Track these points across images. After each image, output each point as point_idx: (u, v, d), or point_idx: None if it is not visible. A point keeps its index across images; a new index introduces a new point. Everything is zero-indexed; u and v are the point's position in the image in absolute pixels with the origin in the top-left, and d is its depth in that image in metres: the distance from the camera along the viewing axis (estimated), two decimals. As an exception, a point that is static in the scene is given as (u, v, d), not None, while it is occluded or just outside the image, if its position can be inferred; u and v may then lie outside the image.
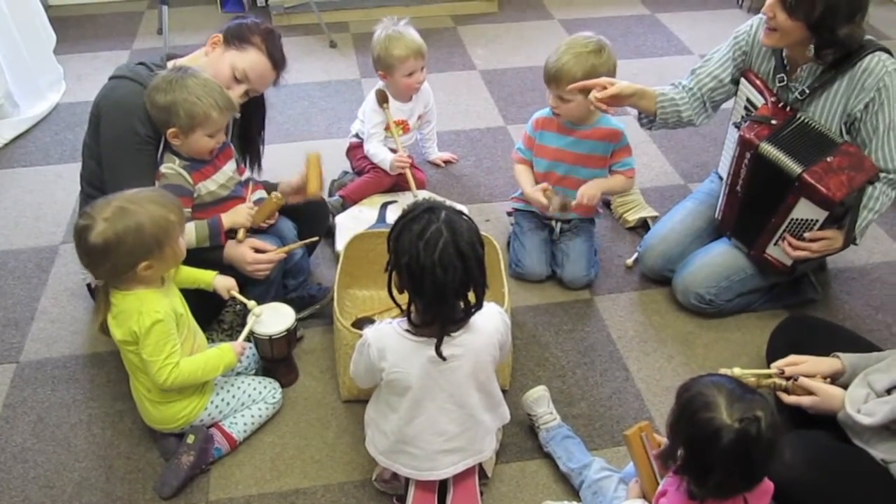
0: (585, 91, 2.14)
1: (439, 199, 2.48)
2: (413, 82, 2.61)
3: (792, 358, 1.79)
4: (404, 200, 2.70)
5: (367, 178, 2.70)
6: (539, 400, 1.97)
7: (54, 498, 1.83)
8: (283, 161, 2.89)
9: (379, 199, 2.70)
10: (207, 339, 2.15)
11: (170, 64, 2.10)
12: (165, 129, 1.95)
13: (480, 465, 1.76)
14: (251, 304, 1.98)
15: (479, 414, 1.65)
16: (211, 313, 2.19)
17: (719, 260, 2.25)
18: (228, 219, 2.03)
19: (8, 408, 2.05)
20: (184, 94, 1.90)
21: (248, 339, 1.96)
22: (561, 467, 1.84)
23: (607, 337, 2.26)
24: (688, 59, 3.77)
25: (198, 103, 1.91)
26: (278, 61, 2.13)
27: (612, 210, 2.72)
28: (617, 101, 2.17)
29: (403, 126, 2.70)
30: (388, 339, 1.56)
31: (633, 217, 2.64)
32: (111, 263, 1.66)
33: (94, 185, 2.13)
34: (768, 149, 2.02)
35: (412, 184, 2.60)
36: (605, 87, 2.13)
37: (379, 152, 2.67)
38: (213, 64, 2.08)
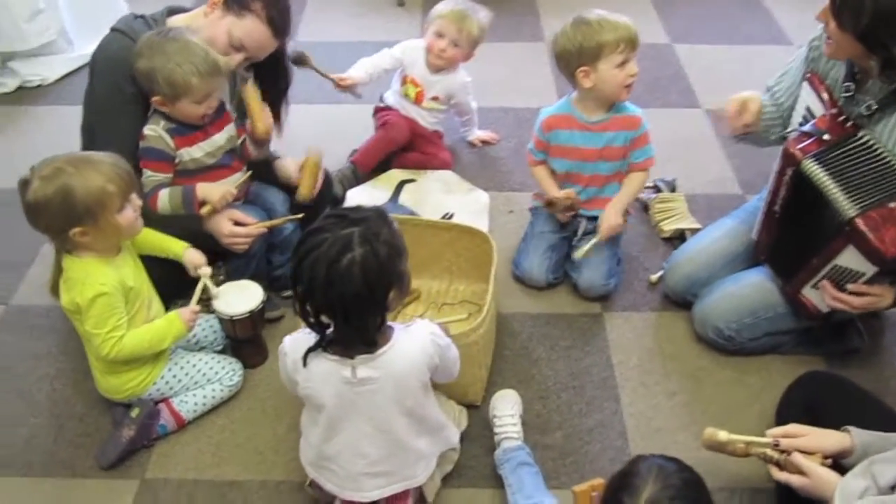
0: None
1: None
2: (433, 48, 2.49)
3: (792, 428, 1.53)
4: (423, 180, 2.54)
5: (376, 137, 2.57)
6: (504, 399, 1.84)
7: (2, 450, 1.82)
8: (322, 122, 2.81)
9: (398, 177, 2.55)
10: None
11: (169, 20, 2.00)
12: (151, 96, 1.85)
13: (420, 487, 1.62)
14: (204, 270, 1.88)
15: (407, 439, 1.49)
16: (187, 281, 2.11)
17: (747, 292, 1.97)
18: (202, 190, 1.92)
19: (-15, 350, 2.06)
20: (162, 61, 1.79)
21: (202, 308, 1.87)
22: (508, 497, 1.66)
23: (606, 360, 2.03)
24: (783, 49, 3.33)
25: (177, 70, 1.79)
26: (280, 29, 1.98)
27: (650, 215, 2.44)
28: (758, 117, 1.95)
29: (416, 87, 2.57)
30: (303, 351, 1.41)
31: (669, 227, 2.36)
32: (43, 224, 1.62)
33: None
34: (812, 168, 1.72)
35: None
36: (742, 107, 1.93)
37: (361, 63, 2.59)
38: (210, 28, 1.95)
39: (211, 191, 1.91)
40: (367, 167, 2.54)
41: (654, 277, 2.24)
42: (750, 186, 2.60)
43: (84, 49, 3.21)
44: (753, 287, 1.97)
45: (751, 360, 2.02)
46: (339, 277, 1.29)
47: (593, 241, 2.10)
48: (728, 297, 1.99)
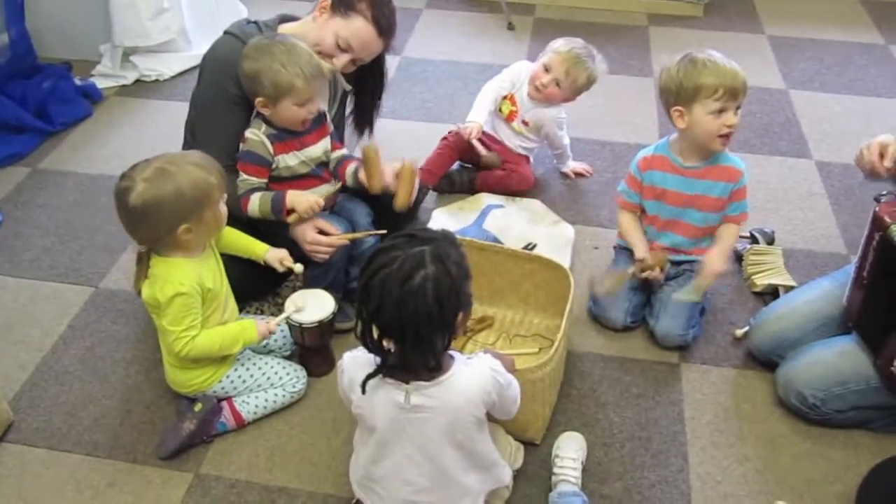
0: None
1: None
2: (535, 78, 2.45)
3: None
4: (510, 208, 2.50)
5: (438, 148, 2.56)
6: (570, 440, 1.79)
7: (71, 426, 1.88)
8: (412, 140, 2.79)
9: (487, 199, 2.52)
10: (258, 311, 2.13)
11: (281, 27, 2.06)
12: (254, 98, 1.90)
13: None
14: (297, 267, 1.92)
15: (454, 473, 1.45)
16: (269, 284, 2.15)
17: (837, 360, 1.84)
18: (291, 198, 1.94)
19: (71, 329, 2.14)
20: (268, 63, 1.83)
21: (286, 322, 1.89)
22: None
23: (678, 414, 1.93)
24: (910, 105, 3.16)
25: (282, 71, 1.83)
26: (385, 29, 2.00)
27: (742, 267, 2.33)
28: None
29: (512, 106, 2.55)
30: (360, 371, 1.39)
31: (762, 281, 2.24)
32: (150, 226, 1.63)
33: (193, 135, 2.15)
34: None
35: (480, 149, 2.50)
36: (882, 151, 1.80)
37: (480, 99, 2.52)
38: (318, 30, 2.00)
39: (299, 200, 1.93)
40: (431, 179, 2.53)
41: (739, 332, 2.12)
42: (856, 246, 2.40)
43: (201, 49, 3.30)
44: (845, 355, 1.84)
45: (836, 433, 1.88)
46: (412, 294, 1.27)
47: (695, 282, 1.99)
48: (817, 362, 1.86)
